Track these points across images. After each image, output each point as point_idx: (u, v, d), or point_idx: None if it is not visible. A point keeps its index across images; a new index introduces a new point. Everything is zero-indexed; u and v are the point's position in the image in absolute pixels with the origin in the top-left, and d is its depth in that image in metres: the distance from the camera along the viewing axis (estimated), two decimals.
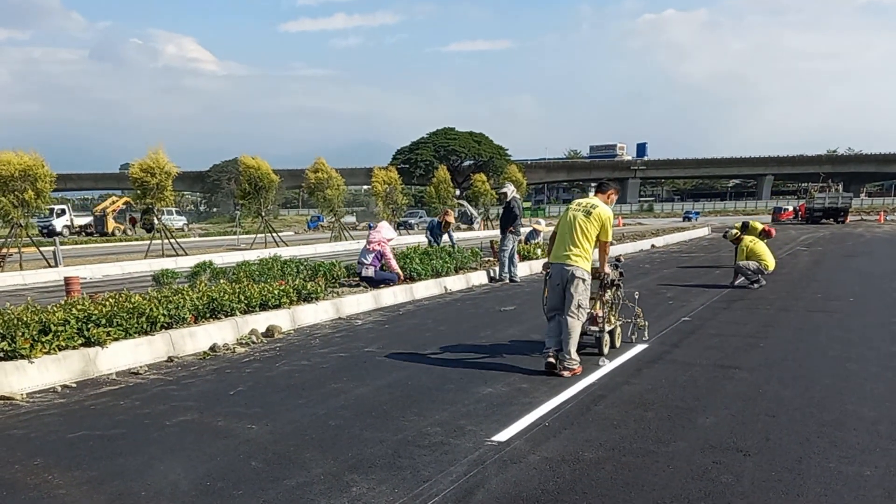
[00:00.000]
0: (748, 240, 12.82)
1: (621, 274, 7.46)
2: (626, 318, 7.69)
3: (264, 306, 8.71)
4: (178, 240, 25.70)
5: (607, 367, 6.33)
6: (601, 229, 6.49)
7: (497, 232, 15.17)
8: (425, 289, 11.70)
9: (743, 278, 12.58)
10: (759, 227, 13.92)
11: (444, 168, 46.46)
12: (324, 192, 27.78)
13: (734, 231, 13.36)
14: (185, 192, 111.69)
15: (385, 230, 11.55)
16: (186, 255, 21.81)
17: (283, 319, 8.69)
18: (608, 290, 7.09)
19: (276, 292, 8.90)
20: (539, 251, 15.63)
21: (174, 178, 21.70)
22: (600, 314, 6.91)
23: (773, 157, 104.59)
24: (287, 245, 26.75)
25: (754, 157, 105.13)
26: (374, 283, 11.16)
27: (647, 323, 7.78)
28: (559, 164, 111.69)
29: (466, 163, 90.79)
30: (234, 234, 38.13)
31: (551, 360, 6.23)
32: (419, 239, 24.86)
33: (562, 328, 6.30)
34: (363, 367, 6.66)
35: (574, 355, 6.20)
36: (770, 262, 12.59)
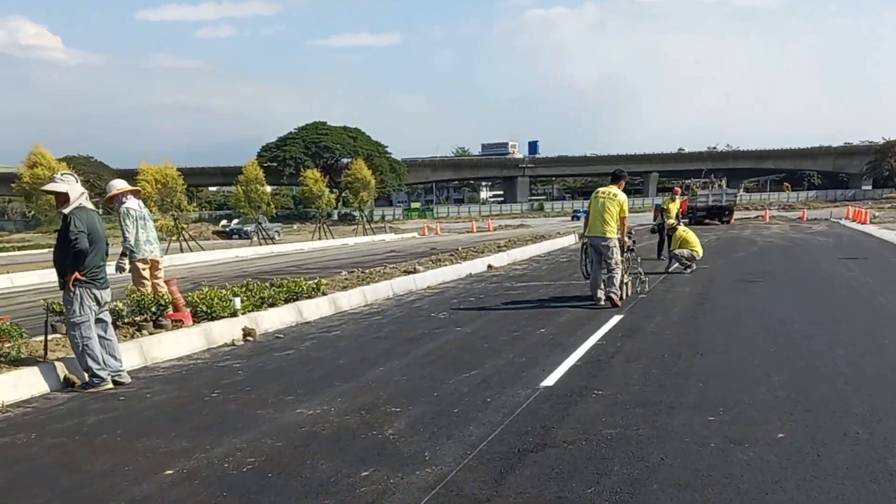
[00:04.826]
0: (681, 229, 13.94)
1: (634, 242, 11.02)
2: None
3: None
4: None
5: None
6: (621, 209, 9.73)
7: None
8: None
9: (678, 264, 13.51)
10: (675, 207, 14.98)
11: (314, 171, 39.10)
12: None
13: (671, 221, 14.85)
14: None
15: None
16: None
17: None
18: (624, 254, 10.13)
19: None
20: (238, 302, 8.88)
21: None
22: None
23: (658, 154, 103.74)
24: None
25: (639, 155, 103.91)
26: None
27: (647, 279, 11.38)
28: (445, 163, 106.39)
29: (344, 160, 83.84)
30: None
31: (601, 299, 9.66)
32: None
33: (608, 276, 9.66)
34: None
35: (616, 290, 9.62)
36: (699, 249, 13.62)
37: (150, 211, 27.49)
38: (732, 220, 35.16)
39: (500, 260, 16.87)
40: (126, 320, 7.62)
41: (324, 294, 10.57)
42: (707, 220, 34.10)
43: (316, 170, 39.98)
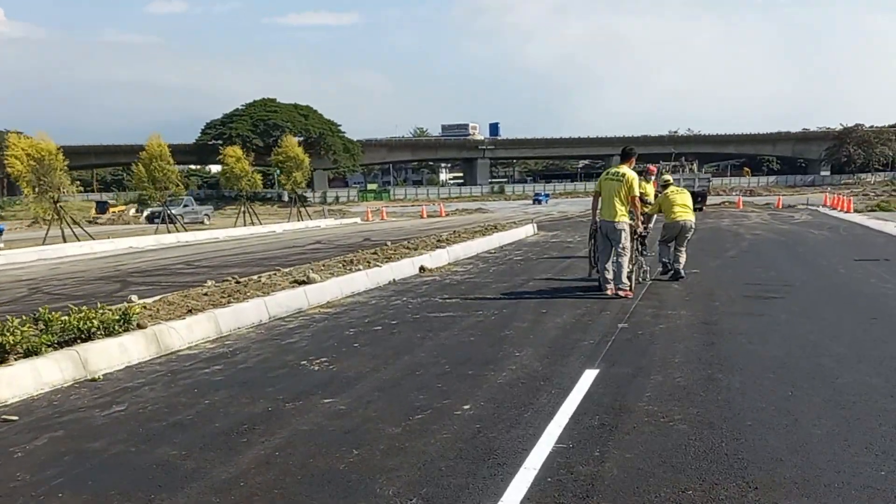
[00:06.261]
0: (670, 189, 10.96)
1: (646, 229, 10.02)
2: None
3: None
4: None
5: None
6: (629, 188, 8.76)
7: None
8: None
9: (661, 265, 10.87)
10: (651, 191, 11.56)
11: (235, 149, 34.61)
12: None
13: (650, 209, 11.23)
14: None
15: None
16: None
17: None
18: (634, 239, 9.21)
19: None
20: None
21: None
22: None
23: (619, 137, 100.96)
24: None
25: (601, 138, 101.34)
26: None
27: (649, 268, 10.27)
28: (402, 143, 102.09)
29: (295, 139, 79.02)
30: None
31: (610, 290, 8.86)
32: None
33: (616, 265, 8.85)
34: None
35: (626, 281, 8.85)
36: (681, 214, 10.58)
37: (23, 193, 23.51)
38: (705, 208, 32.16)
39: (437, 259, 13.29)
40: None
41: (139, 327, 6.84)
42: None
43: (238, 147, 35.45)
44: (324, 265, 11.80)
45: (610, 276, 9.06)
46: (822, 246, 15.21)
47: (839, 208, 27.29)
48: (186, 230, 29.17)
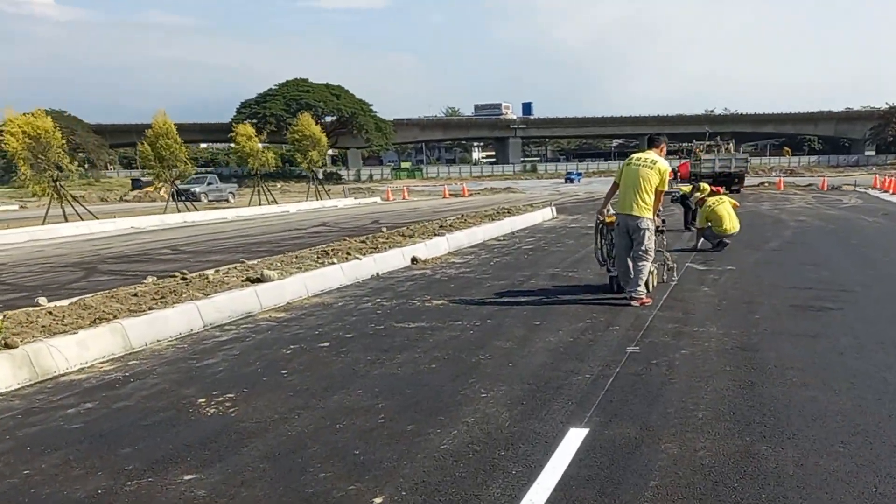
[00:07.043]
0: (711, 201, 11.31)
1: (664, 221, 8.09)
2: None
3: None
4: None
5: None
6: (661, 180, 7.14)
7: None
8: None
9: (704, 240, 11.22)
10: (707, 188, 12.70)
11: (246, 126, 33.19)
12: None
13: (698, 194, 12.48)
14: None
15: None
16: None
17: None
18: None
19: None
20: None
21: None
22: None
23: (654, 115, 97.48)
24: None
25: (634, 117, 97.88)
26: None
27: (675, 265, 8.67)
28: (434, 123, 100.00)
29: (328, 118, 78.09)
30: None
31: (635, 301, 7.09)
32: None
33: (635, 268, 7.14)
34: None
35: (642, 288, 7.14)
36: (730, 225, 10.97)
37: (21, 171, 22.45)
38: (743, 189, 29.72)
39: (434, 248, 11.54)
40: None
41: (7, 346, 5.30)
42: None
43: (249, 125, 33.95)
44: (296, 257, 10.16)
45: (627, 278, 7.37)
46: (879, 237, 13.02)
47: (892, 191, 24.64)
48: (198, 209, 27.96)
